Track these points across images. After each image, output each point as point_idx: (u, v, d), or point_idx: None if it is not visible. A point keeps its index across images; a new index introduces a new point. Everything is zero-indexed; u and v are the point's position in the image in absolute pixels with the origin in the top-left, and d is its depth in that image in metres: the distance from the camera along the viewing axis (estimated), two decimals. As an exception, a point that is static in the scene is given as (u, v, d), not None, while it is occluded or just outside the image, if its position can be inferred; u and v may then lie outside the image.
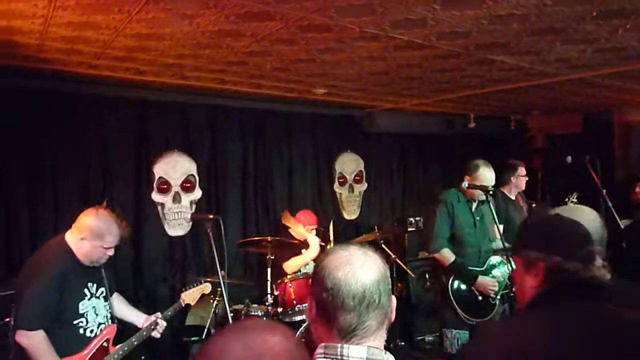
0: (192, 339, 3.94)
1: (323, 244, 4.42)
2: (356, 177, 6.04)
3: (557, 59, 3.28)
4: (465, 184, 3.62)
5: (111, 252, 2.65)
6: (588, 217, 1.87)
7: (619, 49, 3.02)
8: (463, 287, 3.69)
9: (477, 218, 3.83)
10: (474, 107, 5.73)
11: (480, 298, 3.68)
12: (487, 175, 3.67)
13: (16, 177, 3.82)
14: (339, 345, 1.20)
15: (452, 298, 3.65)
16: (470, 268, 3.71)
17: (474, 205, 3.84)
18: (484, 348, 1.40)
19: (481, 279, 3.66)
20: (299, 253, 4.48)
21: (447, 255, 3.68)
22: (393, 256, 4.81)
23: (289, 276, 4.06)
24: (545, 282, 1.48)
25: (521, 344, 1.32)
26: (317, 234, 4.54)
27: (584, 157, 4.29)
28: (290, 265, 4.25)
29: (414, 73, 3.71)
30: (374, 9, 2.29)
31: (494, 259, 3.85)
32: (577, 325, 1.33)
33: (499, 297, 3.71)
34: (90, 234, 2.55)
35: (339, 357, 1.19)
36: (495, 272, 3.81)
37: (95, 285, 2.69)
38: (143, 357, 4.15)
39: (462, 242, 3.74)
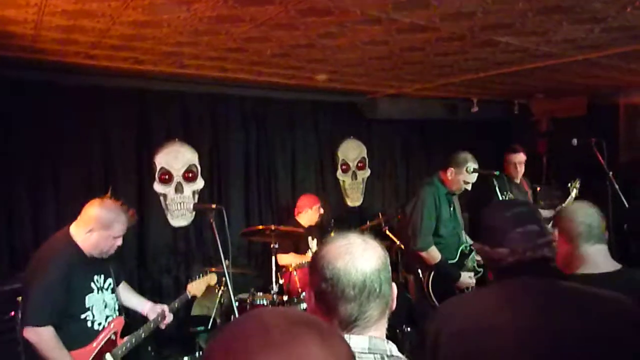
0: (198, 329, 3.93)
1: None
2: (359, 164, 6.00)
3: (563, 39, 3.21)
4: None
5: (120, 242, 2.62)
6: (586, 212, 1.97)
7: (627, 27, 2.95)
8: (441, 283, 3.59)
9: (451, 209, 3.75)
10: (477, 91, 5.66)
11: (456, 292, 3.61)
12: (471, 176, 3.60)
13: (17, 170, 3.79)
14: None
15: (432, 296, 3.58)
16: (449, 262, 3.63)
17: (451, 197, 3.75)
18: (441, 321, 1.47)
19: (462, 277, 3.60)
20: (305, 244, 4.48)
21: (434, 254, 3.55)
22: (398, 242, 4.78)
23: (293, 264, 4.06)
24: (491, 269, 1.61)
25: (474, 315, 1.44)
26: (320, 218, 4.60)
27: (590, 139, 4.24)
28: (284, 259, 4.25)
29: (417, 57, 3.65)
30: (375, -9, 2.23)
31: (464, 248, 3.78)
32: (519, 299, 1.42)
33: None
34: (98, 225, 2.51)
35: None
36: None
37: (102, 276, 2.66)
38: (150, 348, 4.16)
39: (440, 234, 3.64)
